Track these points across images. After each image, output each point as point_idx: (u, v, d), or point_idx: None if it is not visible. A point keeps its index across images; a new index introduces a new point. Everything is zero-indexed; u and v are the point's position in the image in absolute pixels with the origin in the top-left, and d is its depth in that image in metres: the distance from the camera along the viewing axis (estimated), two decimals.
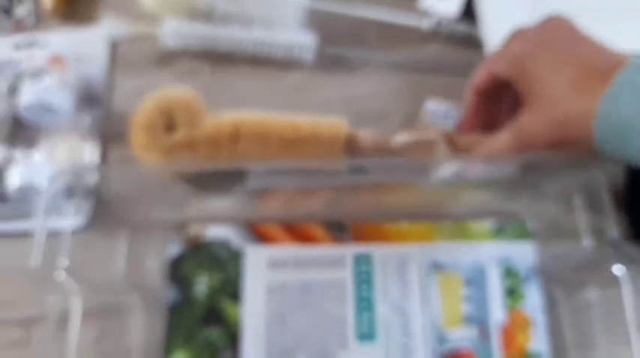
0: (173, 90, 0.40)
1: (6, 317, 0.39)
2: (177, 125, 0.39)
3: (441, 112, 0.41)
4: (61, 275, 0.33)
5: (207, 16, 0.43)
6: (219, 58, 0.44)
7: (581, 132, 0.30)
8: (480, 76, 0.36)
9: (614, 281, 0.33)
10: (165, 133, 0.39)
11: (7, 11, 0.47)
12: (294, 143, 0.39)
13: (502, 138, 0.34)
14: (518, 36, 0.34)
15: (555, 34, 0.33)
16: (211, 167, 0.39)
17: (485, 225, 0.40)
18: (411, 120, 0.42)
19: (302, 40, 0.43)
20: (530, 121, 0.33)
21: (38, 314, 0.38)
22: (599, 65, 0.30)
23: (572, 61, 0.31)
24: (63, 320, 0.35)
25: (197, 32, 0.43)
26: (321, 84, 0.44)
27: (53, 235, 0.34)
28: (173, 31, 0.43)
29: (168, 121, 0.39)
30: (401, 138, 0.39)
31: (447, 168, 0.38)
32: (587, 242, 0.34)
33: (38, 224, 0.32)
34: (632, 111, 0.27)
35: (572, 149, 0.32)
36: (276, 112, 0.40)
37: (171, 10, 0.45)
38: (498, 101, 0.37)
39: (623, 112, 0.28)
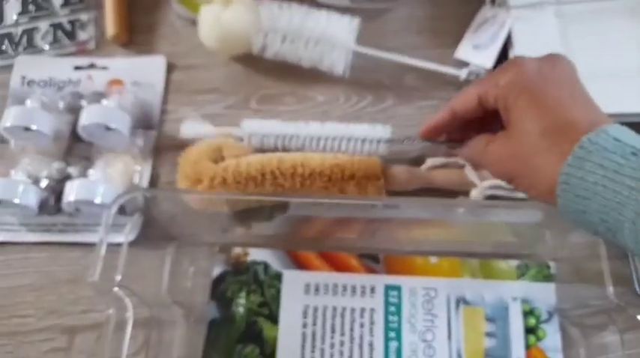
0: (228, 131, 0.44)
1: (52, 325, 0.41)
2: (225, 158, 0.42)
3: None
4: (117, 290, 0.35)
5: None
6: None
7: (537, 180, 0.30)
8: (464, 95, 0.34)
9: (634, 326, 0.35)
10: (212, 164, 0.42)
11: (70, 34, 0.50)
12: (333, 177, 0.41)
13: (472, 149, 0.34)
14: (515, 64, 0.32)
15: (549, 75, 0.31)
16: (256, 199, 0.41)
17: (510, 264, 0.42)
18: None
19: (378, 133, 0.42)
20: (497, 149, 0.32)
21: (81, 324, 0.41)
22: (575, 120, 0.29)
23: (551, 108, 0.30)
24: (112, 330, 0.37)
25: (275, 130, 0.43)
26: None
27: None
28: (252, 130, 0.44)
29: (216, 156, 0.42)
30: (431, 161, 0.42)
31: (477, 193, 0.41)
32: (610, 288, 0.36)
33: (100, 242, 0.34)
34: (593, 180, 0.27)
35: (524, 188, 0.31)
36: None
37: (228, 51, 0.48)
38: (469, 129, 0.35)
39: (585, 178, 0.27)
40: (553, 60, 0.32)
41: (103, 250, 0.34)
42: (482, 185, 0.40)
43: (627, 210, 0.26)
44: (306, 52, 0.46)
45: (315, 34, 0.45)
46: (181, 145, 0.44)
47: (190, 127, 0.44)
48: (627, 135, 0.28)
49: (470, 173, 0.40)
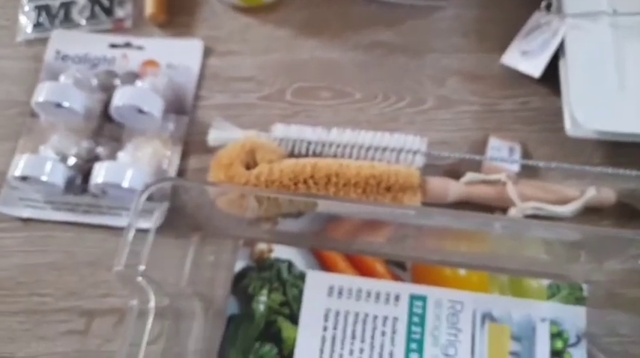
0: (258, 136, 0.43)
1: (70, 306, 0.41)
2: (258, 163, 0.41)
3: (505, 150, 0.43)
4: (140, 279, 0.34)
5: None
6: None
7: None
8: None
9: None
10: (245, 170, 0.41)
11: (108, 11, 0.49)
12: (368, 189, 0.40)
13: None
14: None
15: None
16: (286, 197, 0.40)
17: (541, 283, 0.40)
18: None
19: (414, 145, 0.42)
20: None
21: (100, 309, 0.40)
22: None
23: None
24: (129, 318, 0.36)
25: (307, 137, 0.43)
26: None
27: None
28: (283, 135, 0.43)
29: (249, 160, 0.41)
30: (470, 176, 0.41)
31: (517, 212, 0.39)
32: None
33: (127, 231, 0.34)
34: None
35: None
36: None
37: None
38: None
39: None
40: None
41: (129, 239, 0.33)
42: (522, 205, 0.39)
43: None
44: None
45: None
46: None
47: (218, 135, 0.43)
48: None
49: (511, 191, 0.39)
